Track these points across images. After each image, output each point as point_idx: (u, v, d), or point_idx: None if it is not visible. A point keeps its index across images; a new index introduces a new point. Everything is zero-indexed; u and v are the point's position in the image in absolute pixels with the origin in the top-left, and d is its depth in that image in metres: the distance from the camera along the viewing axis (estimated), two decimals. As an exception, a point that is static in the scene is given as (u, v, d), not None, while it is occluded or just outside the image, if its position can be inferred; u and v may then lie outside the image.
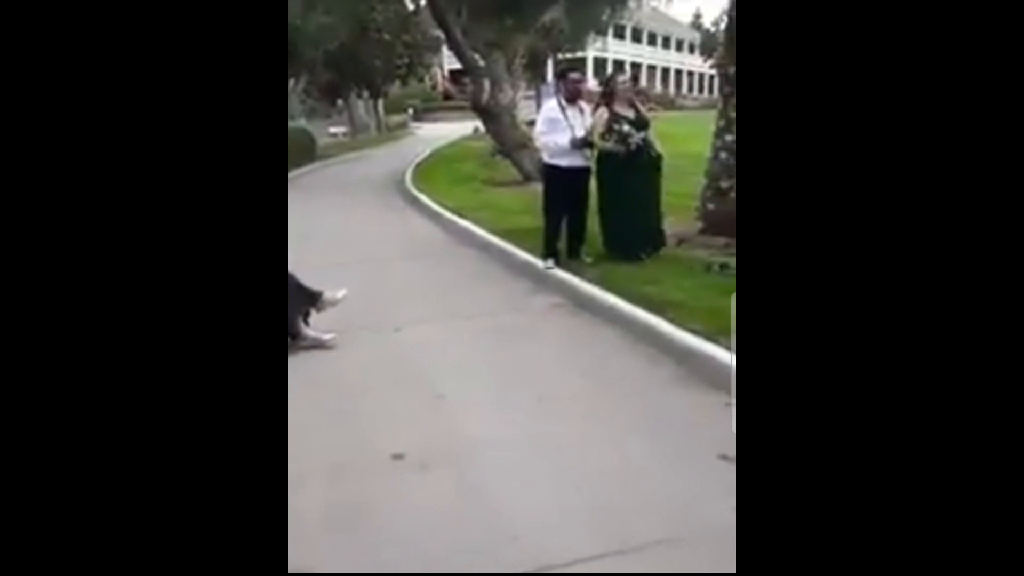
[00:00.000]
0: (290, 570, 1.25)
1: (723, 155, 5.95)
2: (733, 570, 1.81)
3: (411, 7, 22.01)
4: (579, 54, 25.71)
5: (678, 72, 51.34)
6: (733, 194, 5.80)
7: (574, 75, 5.53)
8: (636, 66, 43.07)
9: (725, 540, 1.99)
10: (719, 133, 6.05)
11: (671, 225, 6.27)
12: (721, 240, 5.68)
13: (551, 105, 5.31)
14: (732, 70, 5.89)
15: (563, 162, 5.11)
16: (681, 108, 31.66)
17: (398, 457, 2.53)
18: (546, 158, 5.30)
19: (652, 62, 47.48)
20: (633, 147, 4.97)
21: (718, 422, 2.70)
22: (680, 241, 5.84)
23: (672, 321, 3.59)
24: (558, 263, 5.13)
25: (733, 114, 5.86)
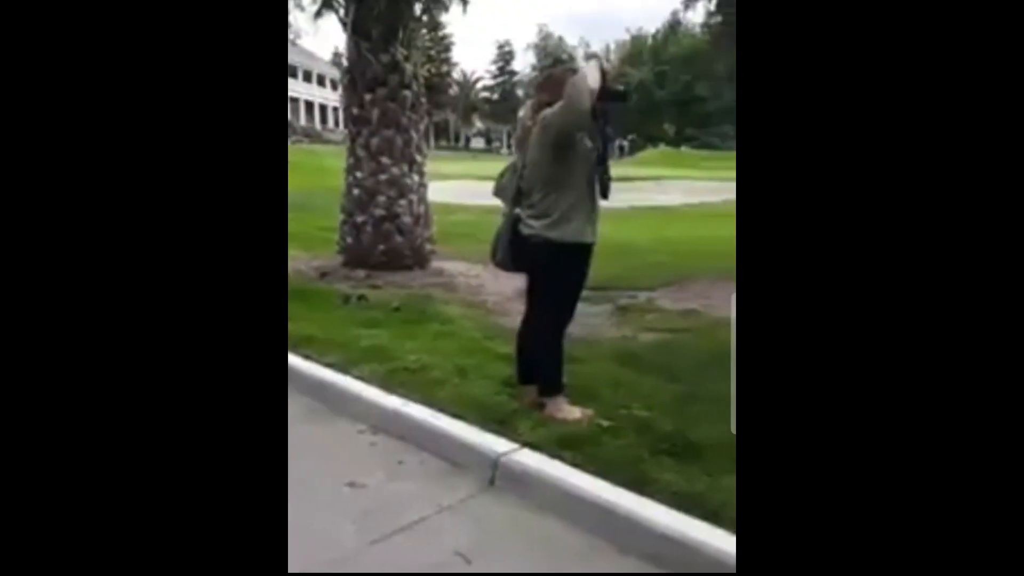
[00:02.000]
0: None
1: (355, 191, 6.20)
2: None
3: None
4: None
5: (323, 107, 51.72)
6: (369, 228, 6.09)
7: None
8: (279, 99, 42.19)
9: (352, 565, 2.11)
10: (350, 170, 6.31)
11: (316, 258, 6.32)
12: (361, 272, 5.92)
13: None
14: (355, 111, 6.21)
15: None
16: (328, 142, 31.91)
17: None
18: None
19: (295, 95, 47.04)
20: None
21: (348, 451, 2.82)
22: (323, 274, 5.93)
23: (307, 356, 3.63)
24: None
25: (361, 153, 6.17)
